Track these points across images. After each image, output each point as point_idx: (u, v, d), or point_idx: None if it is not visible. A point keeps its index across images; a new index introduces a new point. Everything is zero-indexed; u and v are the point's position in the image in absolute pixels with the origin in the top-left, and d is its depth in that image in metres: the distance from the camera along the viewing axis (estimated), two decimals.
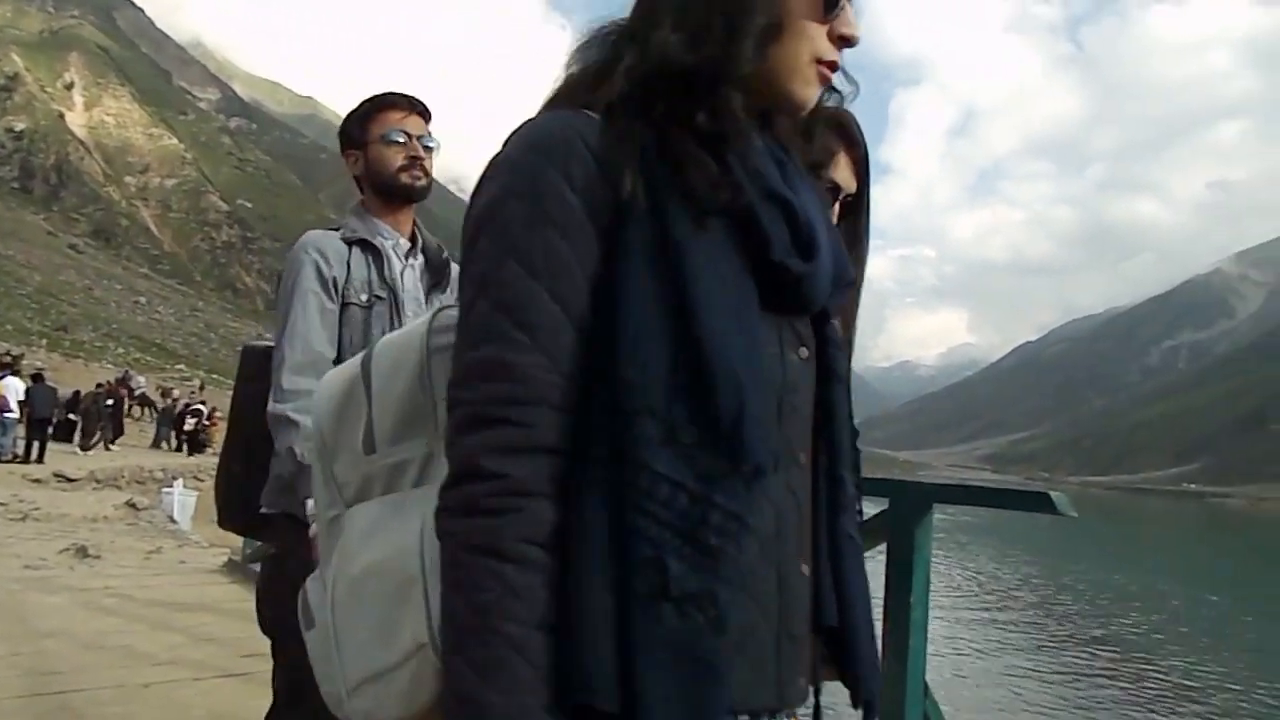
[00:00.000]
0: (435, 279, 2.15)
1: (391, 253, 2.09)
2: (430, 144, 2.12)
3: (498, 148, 0.83)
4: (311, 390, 1.77)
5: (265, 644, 2.00)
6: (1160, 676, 11.65)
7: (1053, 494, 2.12)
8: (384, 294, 2.03)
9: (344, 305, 1.99)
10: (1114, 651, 13.12)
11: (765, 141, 0.88)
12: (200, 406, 29.99)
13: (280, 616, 1.75)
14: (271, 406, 1.90)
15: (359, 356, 0.96)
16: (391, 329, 1.92)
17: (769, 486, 0.77)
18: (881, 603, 2.34)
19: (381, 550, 0.85)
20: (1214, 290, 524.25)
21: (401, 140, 2.08)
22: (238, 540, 7.63)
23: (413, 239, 2.15)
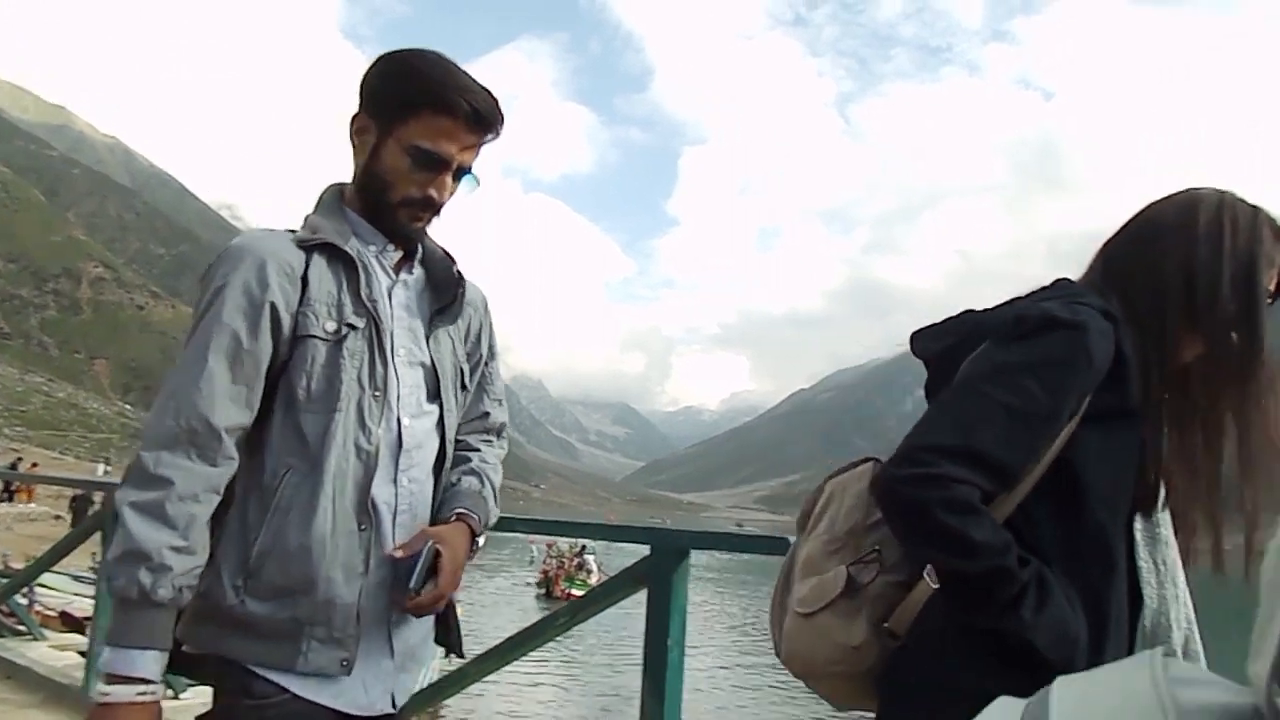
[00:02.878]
0: (442, 301, 1.52)
1: (373, 262, 1.45)
2: (469, 179, 1.45)
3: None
4: (174, 481, 1.25)
5: None
6: None
7: (793, 538, 2.30)
8: (360, 321, 1.39)
9: (298, 338, 1.36)
10: None
11: None
12: None
13: None
14: (117, 492, 1.28)
15: None
16: (371, 371, 1.39)
17: None
18: (642, 646, 2.44)
19: None
20: None
21: (434, 163, 1.40)
22: None
23: (408, 246, 1.50)
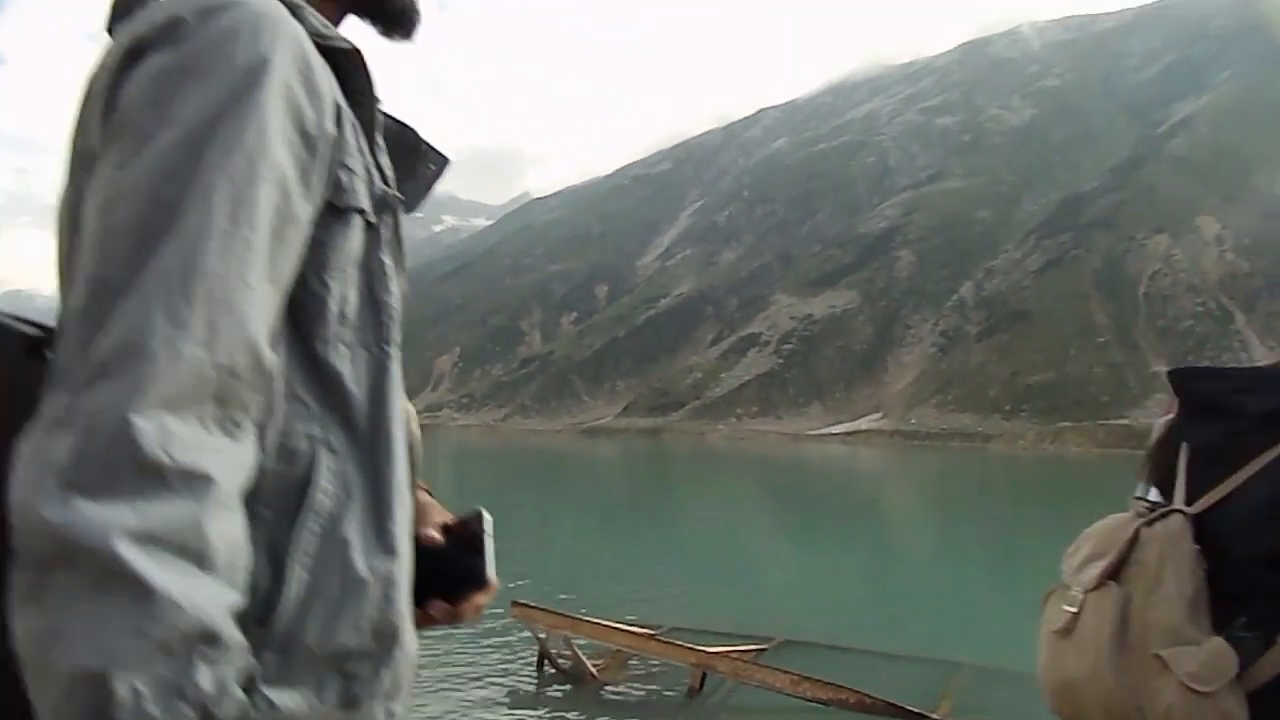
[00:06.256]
0: (406, 170, 0.89)
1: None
2: None
3: None
4: (214, 476, 0.60)
5: None
6: None
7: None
8: (391, 200, 0.82)
9: (335, 210, 0.74)
10: None
11: None
12: None
13: None
14: (57, 513, 0.54)
15: None
16: (391, 281, 0.81)
17: None
18: None
19: None
20: None
21: None
22: None
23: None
